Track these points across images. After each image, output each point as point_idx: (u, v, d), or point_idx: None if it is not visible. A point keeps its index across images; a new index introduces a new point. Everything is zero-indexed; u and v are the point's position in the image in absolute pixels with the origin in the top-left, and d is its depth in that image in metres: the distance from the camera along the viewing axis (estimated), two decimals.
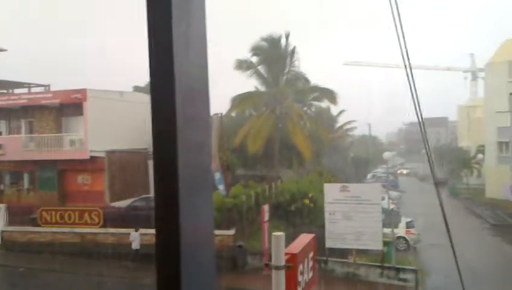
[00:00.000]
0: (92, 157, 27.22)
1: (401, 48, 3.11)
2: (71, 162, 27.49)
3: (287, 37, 30.64)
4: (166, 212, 1.16)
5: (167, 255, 1.16)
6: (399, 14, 3.04)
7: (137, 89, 36.77)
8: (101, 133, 26.75)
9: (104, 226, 22.58)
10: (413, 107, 3.30)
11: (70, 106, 27.99)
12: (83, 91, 27.49)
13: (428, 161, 3.92)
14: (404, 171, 67.34)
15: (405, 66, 3.16)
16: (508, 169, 36.48)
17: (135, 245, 19.99)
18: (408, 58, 3.13)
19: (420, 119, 3.42)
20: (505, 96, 36.25)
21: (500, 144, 40.67)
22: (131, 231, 20.30)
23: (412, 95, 3.18)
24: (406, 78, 3.21)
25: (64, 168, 28.32)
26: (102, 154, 27.23)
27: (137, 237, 19.95)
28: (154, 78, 1.17)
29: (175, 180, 1.13)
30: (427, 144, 3.98)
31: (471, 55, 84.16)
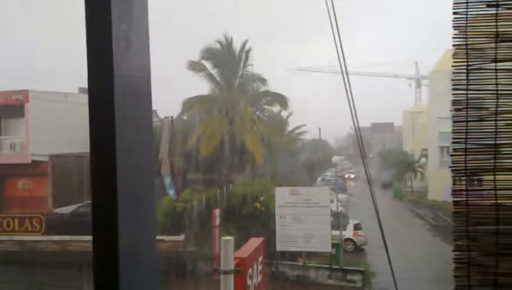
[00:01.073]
0: (34, 161, 25.98)
1: (338, 55, 3.25)
2: (11, 167, 26.08)
3: (240, 40, 30.83)
4: (104, 219, 1.12)
5: (105, 264, 1.12)
6: (336, 22, 3.16)
7: (83, 90, 35.56)
8: (45, 136, 25.59)
9: (46, 233, 21.60)
10: (350, 113, 3.44)
11: (11, 108, 26.59)
12: (24, 92, 26.23)
13: (364, 165, 4.09)
14: (352, 176, 68.95)
15: (342, 73, 3.29)
16: (448, 172, 38.29)
17: None
18: (345, 65, 3.27)
19: (356, 125, 3.58)
20: (447, 103, 38.12)
21: (441, 148, 42.83)
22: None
23: (349, 101, 3.32)
24: (344, 85, 3.34)
25: (3, 173, 26.83)
26: (45, 159, 26.05)
27: None
28: (92, 79, 1.13)
29: (113, 185, 1.09)
30: (363, 148, 4.17)
31: (416, 63, 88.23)
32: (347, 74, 3.26)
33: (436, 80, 43.09)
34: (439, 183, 40.57)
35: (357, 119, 3.37)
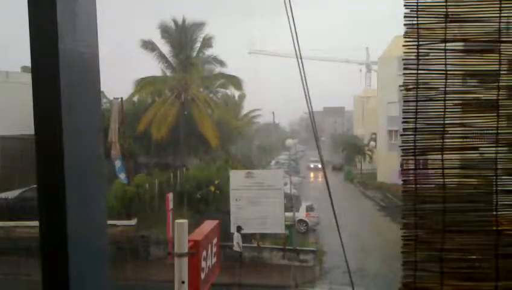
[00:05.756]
0: None
1: (293, 39, 3.25)
2: None
3: (194, 20, 30.25)
4: (51, 203, 1.07)
5: (53, 248, 1.08)
6: (290, 4, 3.17)
7: (26, 69, 33.74)
8: None
9: None
10: (305, 97, 3.48)
11: None
12: None
13: (317, 148, 4.19)
14: (319, 165, 69.82)
15: (296, 57, 3.31)
16: (396, 155, 39.98)
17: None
18: (299, 50, 3.28)
19: (310, 110, 3.64)
20: (395, 89, 39.62)
21: (390, 132, 44.43)
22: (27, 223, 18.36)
23: (303, 85, 3.35)
24: (299, 69, 3.35)
25: None
26: None
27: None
28: (35, 58, 1.06)
29: (60, 168, 1.04)
30: (316, 132, 4.25)
31: (366, 49, 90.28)
32: (301, 58, 3.27)
33: (384, 65, 44.38)
34: (387, 166, 42.18)
35: (311, 104, 3.41)
